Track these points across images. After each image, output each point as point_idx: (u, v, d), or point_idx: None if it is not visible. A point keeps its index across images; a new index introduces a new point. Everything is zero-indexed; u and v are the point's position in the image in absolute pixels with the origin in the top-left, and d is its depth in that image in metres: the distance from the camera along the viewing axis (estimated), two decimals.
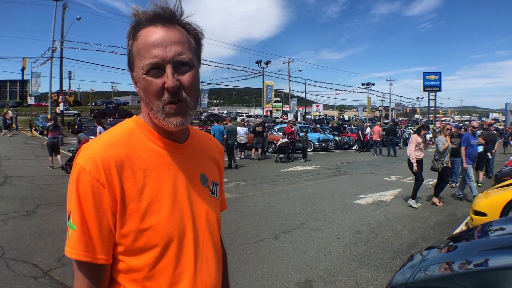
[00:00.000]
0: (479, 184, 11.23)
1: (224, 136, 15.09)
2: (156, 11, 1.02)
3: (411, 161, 8.73)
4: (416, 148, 8.78)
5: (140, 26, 1.04)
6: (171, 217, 1.04)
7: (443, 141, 9.01)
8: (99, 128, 13.31)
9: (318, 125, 38.57)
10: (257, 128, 18.24)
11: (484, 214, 5.99)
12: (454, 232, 6.51)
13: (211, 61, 44.33)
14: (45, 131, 14.76)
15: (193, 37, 1.09)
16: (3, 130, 27.37)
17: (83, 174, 0.97)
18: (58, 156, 13.23)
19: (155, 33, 1.01)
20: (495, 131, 15.81)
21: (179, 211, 1.07)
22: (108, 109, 45.57)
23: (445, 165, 9.11)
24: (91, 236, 0.97)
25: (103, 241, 0.98)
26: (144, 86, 1.02)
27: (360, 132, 25.64)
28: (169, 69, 1.00)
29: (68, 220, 0.98)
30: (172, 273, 1.04)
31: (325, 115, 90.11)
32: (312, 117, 75.30)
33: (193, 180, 1.14)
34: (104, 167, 0.97)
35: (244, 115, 60.47)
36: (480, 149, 11.15)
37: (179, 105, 1.02)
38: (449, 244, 3.50)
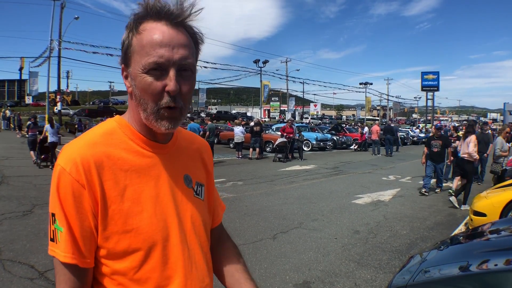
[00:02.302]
0: (451, 191, 9.55)
1: (206, 134, 16.00)
2: (167, 7, 0.98)
3: (474, 157, 8.78)
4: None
5: (146, 19, 0.99)
6: (153, 219, 1.02)
7: (502, 144, 9.08)
8: (47, 126, 13.63)
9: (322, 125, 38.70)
10: (254, 128, 18.20)
11: (483, 215, 5.97)
12: (453, 233, 6.49)
13: (206, 62, 43.95)
14: (26, 129, 16.35)
15: (194, 42, 1.05)
16: (17, 131, 27.62)
17: (63, 175, 0.94)
18: (32, 153, 13.99)
19: (163, 32, 0.97)
20: (489, 131, 14.52)
21: (162, 213, 1.04)
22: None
23: (504, 167, 9.20)
24: (76, 239, 0.95)
25: (85, 244, 0.96)
26: (142, 86, 0.98)
27: (397, 133, 26.40)
28: (172, 72, 0.96)
29: (54, 223, 0.96)
30: (159, 276, 1.01)
31: (323, 114, 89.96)
32: (311, 116, 75.13)
33: (177, 181, 1.11)
34: (84, 168, 0.95)
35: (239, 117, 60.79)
36: None
37: (174, 110, 1.00)
38: (449, 245, 3.48)
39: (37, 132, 14.37)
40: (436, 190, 10.60)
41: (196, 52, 1.06)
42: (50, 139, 13.02)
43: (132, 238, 0.98)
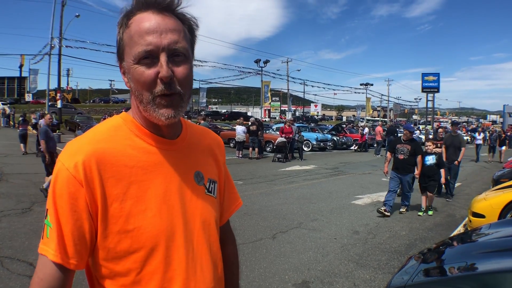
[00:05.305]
0: (420, 213, 8.05)
1: None
2: None
3: None
4: None
5: (134, 13, 0.98)
6: (157, 218, 0.98)
7: None
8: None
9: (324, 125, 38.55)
10: (251, 127, 18.14)
11: (482, 216, 5.97)
12: (452, 234, 6.49)
13: (204, 61, 44.04)
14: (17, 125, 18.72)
15: (188, 28, 1.03)
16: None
17: (61, 171, 0.93)
18: (22, 145, 15.72)
19: (149, 19, 0.95)
20: (460, 132, 11.57)
21: (168, 212, 1.01)
22: None
23: None
24: (63, 237, 0.92)
25: (74, 244, 0.93)
26: (135, 77, 0.96)
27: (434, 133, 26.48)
28: (163, 58, 0.94)
29: (46, 218, 0.94)
30: (161, 278, 0.98)
31: (323, 115, 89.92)
32: (311, 116, 75.03)
33: (186, 179, 1.07)
34: (85, 165, 0.92)
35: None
36: (431, 160, 8.16)
37: (172, 97, 0.97)
38: (448, 246, 3.48)
39: (27, 127, 16.07)
40: (401, 210, 8.24)
41: (191, 39, 1.04)
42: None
43: (134, 238, 0.95)
